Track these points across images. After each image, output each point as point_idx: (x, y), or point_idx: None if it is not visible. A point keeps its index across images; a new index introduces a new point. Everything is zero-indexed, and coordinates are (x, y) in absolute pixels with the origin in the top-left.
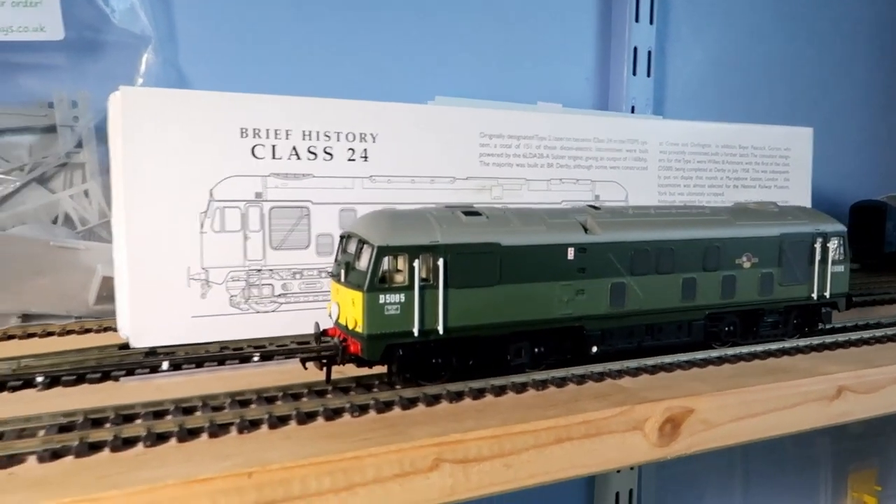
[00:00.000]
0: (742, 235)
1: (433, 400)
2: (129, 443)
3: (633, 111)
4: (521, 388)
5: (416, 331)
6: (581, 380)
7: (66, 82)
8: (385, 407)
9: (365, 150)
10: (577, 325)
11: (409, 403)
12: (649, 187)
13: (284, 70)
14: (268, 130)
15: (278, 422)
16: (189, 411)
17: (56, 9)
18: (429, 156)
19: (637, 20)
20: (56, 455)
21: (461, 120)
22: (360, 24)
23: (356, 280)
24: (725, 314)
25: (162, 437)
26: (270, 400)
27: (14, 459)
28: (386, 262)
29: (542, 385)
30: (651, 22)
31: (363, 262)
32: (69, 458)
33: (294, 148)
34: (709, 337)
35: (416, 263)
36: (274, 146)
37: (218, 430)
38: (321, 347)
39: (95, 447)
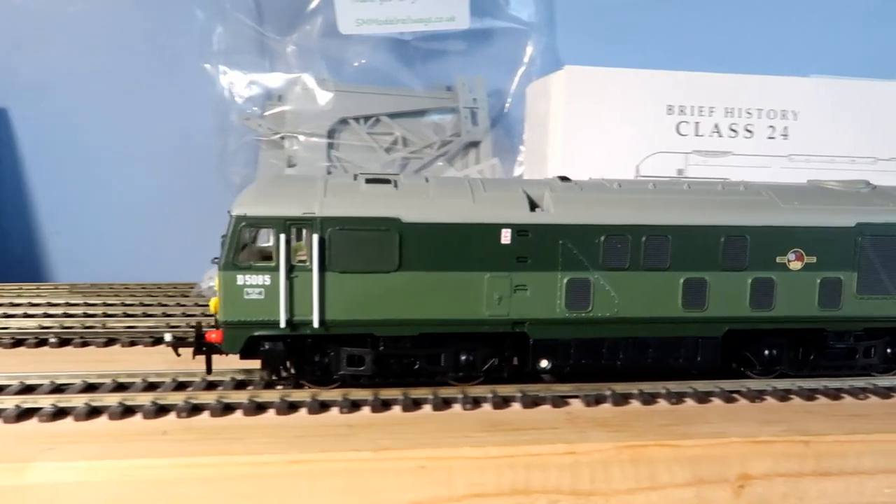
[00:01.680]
0: (787, 224)
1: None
2: None
3: None
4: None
5: (282, 321)
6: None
7: (463, 67)
8: None
9: (785, 127)
10: (518, 332)
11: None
12: None
13: (657, 52)
14: (693, 107)
15: None
16: None
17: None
18: (849, 134)
19: None
20: None
21: (881, 95)
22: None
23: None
24: (760, 332)
25: None
26: None
27: None
28: (247, 236)
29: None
30: None
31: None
32: None
33: (716, 125)
34: (734, 361)
35: (282, 238)
36: (697, 123)
37: None
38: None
39: None
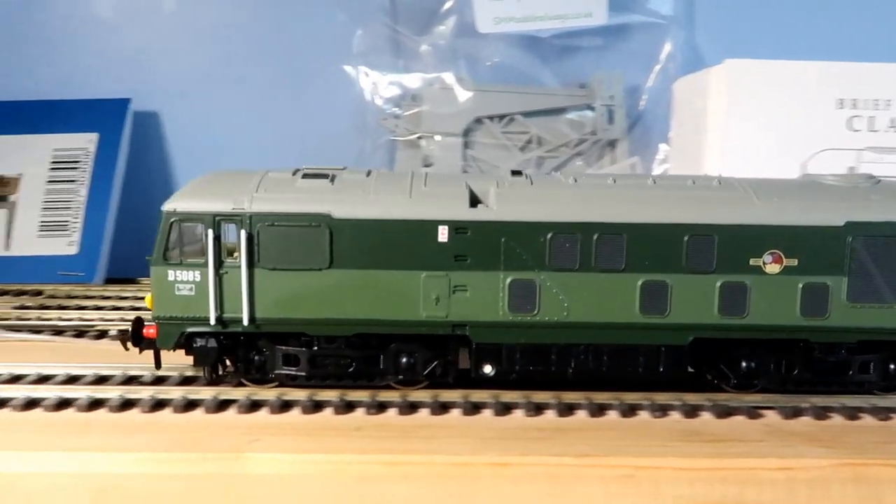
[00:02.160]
0: (762, 222)
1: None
2: None
3: None
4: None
5: (212, 318)
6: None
7: (599, 64)
8: None
9: None
10: (459, 334)
11: None
12: None
13: (810, 46)
14: (866, 101)
15: None
16: None
17: None
18: None
19: None
20: None
21: None
22: None
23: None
24: (734, 342)
25: None
26: None
27: None
28: (177, 231)
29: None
30: None
31: None
32: None
33: (892, 119)
34: (709, 374)
35: (209, 234)
36: (872, 117)
37: None
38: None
39: None
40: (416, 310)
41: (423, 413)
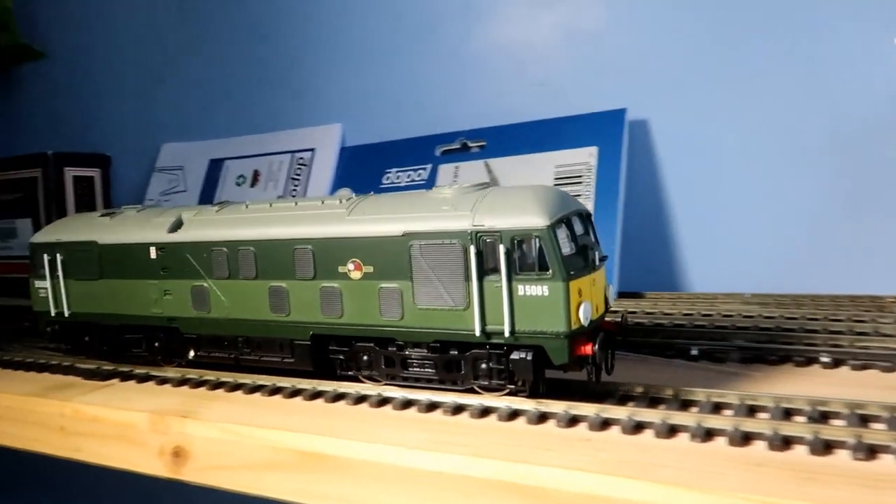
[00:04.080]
0: (343, 235)
1: None
2: None
3: None
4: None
5: (52, 311)
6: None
7: None
8: None
9: None
10: (173, 326)
11: None
12: None
13: None
14: None
15: None
16: None
17: None
18: None
19: None
20: None
21: None
22: None
23: None
24: (343, 338)
25: None
26: None
27: None
28: (38, 256)
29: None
30: None
31: None
32: None
33: None
34: (329, 365)
35: (45, 258)
36: None
37: None
38: None
39: None
40: (148, 308)
41: None
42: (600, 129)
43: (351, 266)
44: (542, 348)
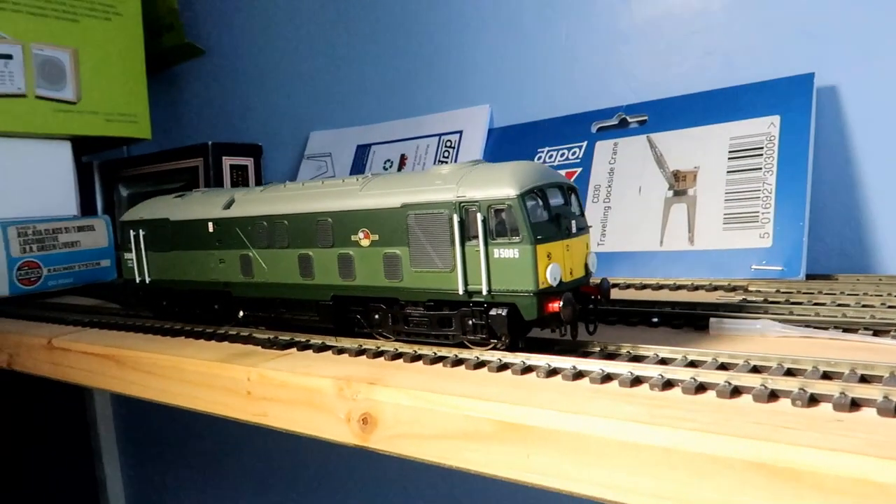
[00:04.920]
0: (355, 208)
1: None
2: None
3: None
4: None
5: (137, 279)
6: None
7: None
8: None
9: None
10: (227, 290)
11: None
12: None
13: None
14: None
15: None
16: None
17: None
18: None
19: None
20: None
21: None
22: None
23: None
24: (359, 299)
25: None
26: None
27: None
28: (125, 232)
29: None
30: None
31: None
32: None
33: None
34: (349, 323)
35: (131, 233)
36: None
37: None
38: None
39: None
40: (208, 274)
41: None
42: (783, 96)
43: (361, 235)
44: (516, 306)
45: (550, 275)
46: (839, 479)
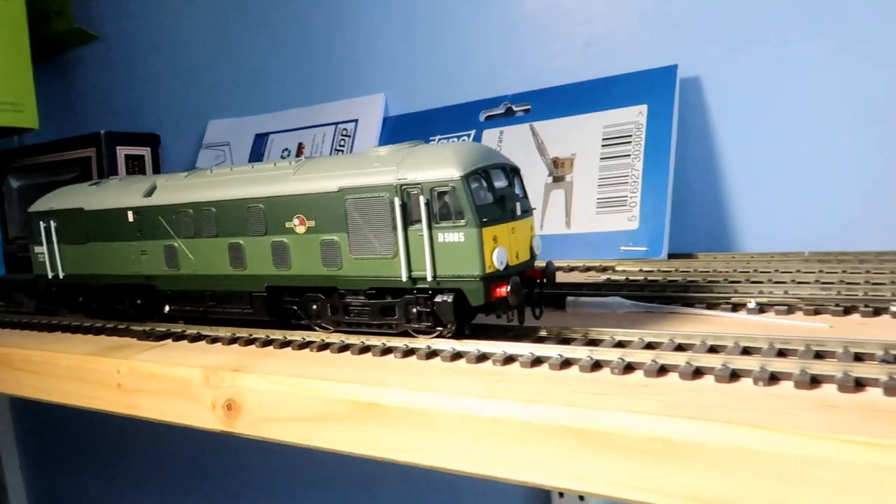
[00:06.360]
0: (288, 193)
1: None
2: None
3: None
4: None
5: (49, 274)
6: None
7: None
8: None
9: None
10: (150, 284)
11: None
12: None
13: None
14: None
15: None
16: None
17: None
18: None
19: None
20: None
21: None
22: None
23: None
24: (295, 289)
25: None
26: None
27: None
28: (35, 223)
29: None
30: None
31: None
32: None
33: None
34: (285, 314)
35: (41, 224)
36: None
37: None
38: None
39: None
40: (128, 267)
41: None
42: (650, 86)
43: (296, 221)
44: (462, 291)
45: (497, 258)
46: (638, 439)
